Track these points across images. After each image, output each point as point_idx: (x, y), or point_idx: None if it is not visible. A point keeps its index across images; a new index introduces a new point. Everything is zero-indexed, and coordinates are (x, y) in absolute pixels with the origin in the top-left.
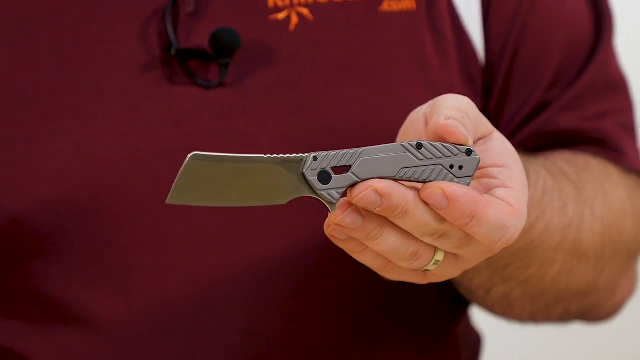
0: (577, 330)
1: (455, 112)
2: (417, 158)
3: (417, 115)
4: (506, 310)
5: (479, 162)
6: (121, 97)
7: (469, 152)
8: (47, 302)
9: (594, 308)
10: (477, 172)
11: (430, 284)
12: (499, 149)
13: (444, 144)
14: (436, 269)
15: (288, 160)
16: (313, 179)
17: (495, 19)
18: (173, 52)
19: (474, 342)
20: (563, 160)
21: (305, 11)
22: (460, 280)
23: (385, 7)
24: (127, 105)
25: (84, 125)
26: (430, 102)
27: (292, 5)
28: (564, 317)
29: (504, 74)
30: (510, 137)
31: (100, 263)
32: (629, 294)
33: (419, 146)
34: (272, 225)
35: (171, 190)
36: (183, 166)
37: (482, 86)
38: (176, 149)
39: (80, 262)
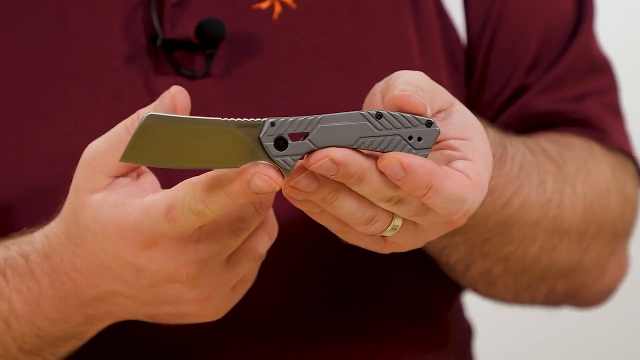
0: (569, 323)
1: (408, 86)
2: (376, 128)
3: (375, 91)
4: (488, 288)
5: (439, 134)
6: (107, 86)
7: (429, 124)
8: None
9: (581, 289)
10: (439, 144)
11: (420, 269)
12: (460, 121)
13: (404, 114)
14: (395, 236)
15: (245, 124)
16: (269, 144)
17: (474, 3)
18: (159, 42)
19: (465, 331)
20: (545, 139)
21: (288, 0)
22: (438, 255)
23: None
24: (113, 95)
25: (71, 113)
26: (385, 79)
27: None
28: (550, 297)
29: (483, 57)
30: (492, 120)
31: None
32: (619, 277)
33: (379, 116)
34: None
35: (125, 149)
36: (138, 125)
37: (464, 68)
38: None
39: None
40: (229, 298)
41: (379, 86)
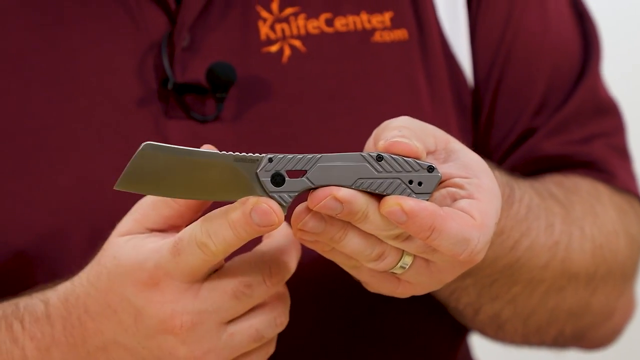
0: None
1: (396, 130)
2: (375, 170)
3: (368, 144)
4: (497, 332)
5: (440, 179)
6: (117, 130)
7: (430, 169)
8: None
9: (589, 330)
10: (444, 182)
11: (429, 312)
12: (463, 159)
13: (405, 158)
14: (408, 275)
15: (243, 158)
16: (266, 179)
17: (481, 47)
18: (170, 86)
19: None
20: (552, 182)
21: (297, 43)
22: (447, 299)
23: (377, 37)
24: (124, 139)
25: (82, 158)
26: (373, 133)
27: (284, 38)
28: (559, 339)
29: (490, 100)
30: (499, 163)
31: None
32: (627, 318)
33: (379, 158)
34: None
35: (120, 176)
36: (135, 154)
37: (472, 111)
38: None
39: None
40: None
41: (369, 141)
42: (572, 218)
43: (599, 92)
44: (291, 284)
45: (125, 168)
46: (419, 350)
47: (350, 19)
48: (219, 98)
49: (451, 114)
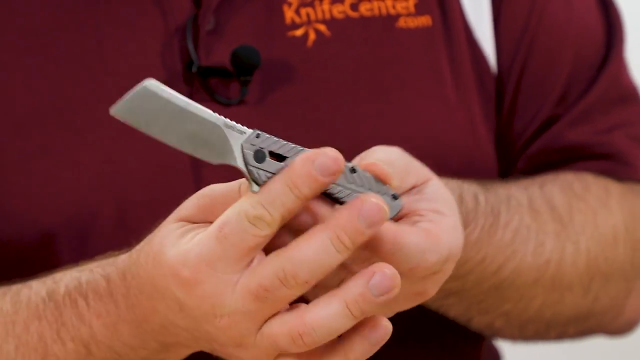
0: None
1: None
2: (347, 180)
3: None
4: (493, 335)
5: (401, 209)
6: None
7: (394, 197)
8: None
9: (597, 329)
10: (409, 214)
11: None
12: (432, 195)
13: (377, 179)
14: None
15: (232, 127)
16: (248, 152)
17: (504, 34)
18: (194, 69)
19: (493, 357)
20: (559, 189)
21: (322, 27)
22: (435, 308)
23: (401, 23)
24: None
25: (108, 139)
26: (360, 155)
27: (309, 22)
28: (563, 337)
29: (513, 87)
30: (520, 151)
31: None
32: None
33: (353, 170)
34: None
35: (117, 104)
36: (136, 89)
37: (495, 98)
38: (197, 165)
39: None
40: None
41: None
42: (567, 233)
43: (622, 79)
44: None
45: (124, 98)
46: (441, 349)
47: (375, 3)
48: (244, 81)
49: (474, 100)
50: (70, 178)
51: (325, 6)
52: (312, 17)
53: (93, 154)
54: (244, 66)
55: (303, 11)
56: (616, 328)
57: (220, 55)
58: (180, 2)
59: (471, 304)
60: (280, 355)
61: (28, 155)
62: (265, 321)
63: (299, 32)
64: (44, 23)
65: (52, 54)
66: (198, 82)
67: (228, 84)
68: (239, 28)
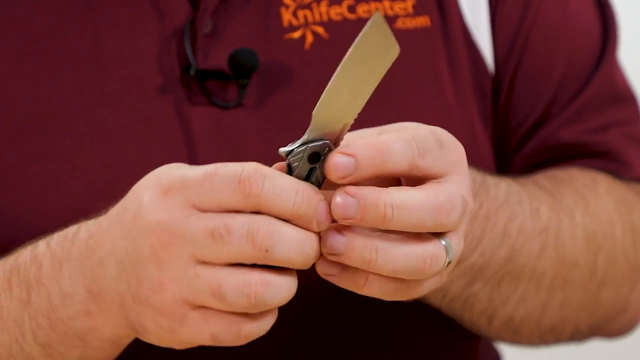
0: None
1: None
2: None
3: None
4: (514, 335)
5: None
6: (141, 116)
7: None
8: None
9: (604, 324)
10: None
11: (435, 317)
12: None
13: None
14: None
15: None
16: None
17: (500, 34)
18: (192, 72)
19: (494, 359)
20: (541, 175)
21: (320, 29)
22: (461, 311)
23: (399, 24)
24: (147, 125)
25: (106, 143)
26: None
27: (306, 24)
28: (575, 335)
29: (508, 84)
30: (515, 149)
31: None
32: None
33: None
34: None
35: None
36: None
37: (492, 98)
38: None
39: None
40: (180, 319)
41: None
42: (560, 206)
43: (616, 79)
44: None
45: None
46: (439, 349)
47: (373, 5)
48: (241, 84)
49: (472, 101)
50: (68, 183)
51: (323, 8)
52: (310, 19)
53: (91, 159)
54: (242, 69)
55: (300, 13)
56: (620, 325)
57: (218, 58)
58: (177, 6)
59: (492, 289)
60: (202, 307)
61: (26, 160)
62: (205, 263)
63: (296, 35)
64: (42, 28)
65: (50, 59)
66: (196, 85)
67: (226, 87)
68: (237, 31)
